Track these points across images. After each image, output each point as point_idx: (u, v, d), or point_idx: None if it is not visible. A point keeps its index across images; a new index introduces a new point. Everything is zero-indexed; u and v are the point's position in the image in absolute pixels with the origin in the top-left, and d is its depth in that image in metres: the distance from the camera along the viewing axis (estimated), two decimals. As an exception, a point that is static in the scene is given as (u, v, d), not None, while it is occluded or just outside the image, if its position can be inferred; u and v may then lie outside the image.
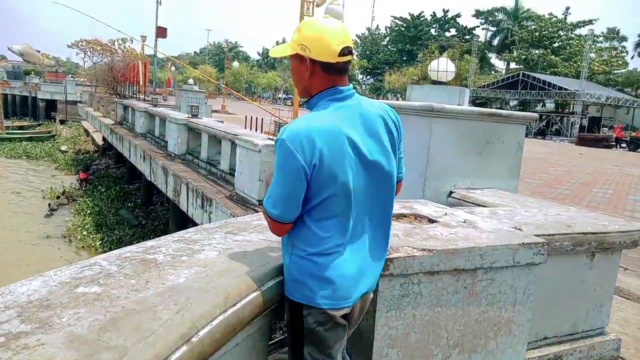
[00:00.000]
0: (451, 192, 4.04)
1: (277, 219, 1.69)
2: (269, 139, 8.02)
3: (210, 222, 7.91)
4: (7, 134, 32.34)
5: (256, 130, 15.87)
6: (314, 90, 1.77)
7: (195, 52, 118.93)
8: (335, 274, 1.70)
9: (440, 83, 4.30)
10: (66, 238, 14.11)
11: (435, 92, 4.23)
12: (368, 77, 75.60)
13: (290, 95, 76.73)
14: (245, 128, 15.85)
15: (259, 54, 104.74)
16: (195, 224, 9.86)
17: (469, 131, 4.09)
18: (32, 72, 61.26)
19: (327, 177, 1.65)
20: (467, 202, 3.85)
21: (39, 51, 72.17)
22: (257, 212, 7.12)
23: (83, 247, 13.48)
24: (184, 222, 13.45)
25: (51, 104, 44.14)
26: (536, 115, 5.03)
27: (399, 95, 58.32)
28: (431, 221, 2.83)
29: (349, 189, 1.70)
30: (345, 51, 1.71)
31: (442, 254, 2.27)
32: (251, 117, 19.02)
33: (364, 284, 1.81)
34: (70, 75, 58.19)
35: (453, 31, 69.58)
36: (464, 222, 2.82)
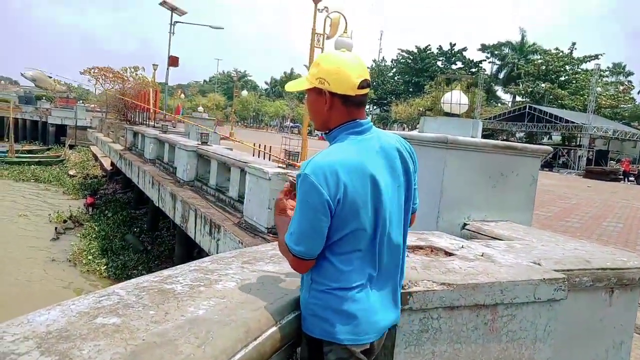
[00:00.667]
0: (465, 224, 4.00)
1: (300, 255, 1.65)
2: (279, 166, 8.03)
3: (218, 249, 7.86)
4: (17, 157, 32.69)
5: (264, 158, 15.93)
6: (333, 124, 1.77)
7: (204, 81, 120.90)
8: (357, 308, 1.66)
9: (453, 115, 4.31)
10: (71, 262, 14.05)
11: (448, 124, 4.24)
12: (374, 107, 76.34)
13: (298, 124, 77.45)
14: (253, 156, 15.93)
15: (266, 83, 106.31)
16: (201, 250, 9.80)
17: (483, 163, 4.07)
18: (44, 97, 62.20)
19: (350, 211, 1.63)
20: (481, 234, 3.80)
21: (50, 77, 73.54)
22: (266, 240, 7.07)
23: (88, 271, 13.41)
24: (191, 248, 13.38)
25: (61, 129, 44.68)
26: (551, 149, 5.01)
27: (405, 126, 58.72)
28: (448, 254, 2.78)
29: (371, 223, 1.68)
30: (364, 84, 1.72)
31: (462, 288, 2.22)
32: (259, 145, 19.14)
33: (386, 318, 1.77)
34: (80, 101, 59.07)
35: (459, 64, 70.45)
36: (482, 256, 2.77)
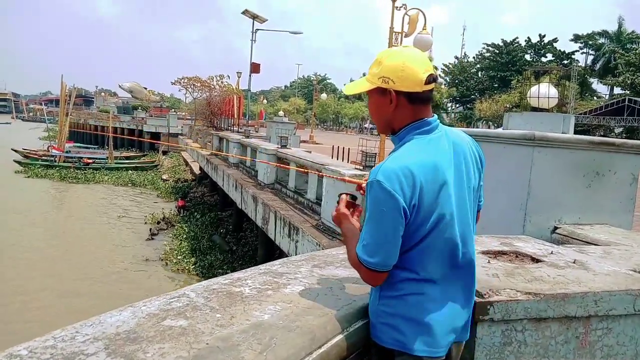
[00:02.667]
0: (556, 228, 3.69)
1: (375, 267, 1.55)
2: (356, 168, 7.97)
3: (296, 250, 7.95)
4: (116, 163, 35.28)
5: (342, 160, 15.95)
6: (398, 125, 1.67)
7: (285, 86, 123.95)
8: (430, 317, 1.56)
9: (541, 110, 4.01)
10: (163, 261, 14.90)
11: (536, 120, 3.94)
12: (457, 105, 73.98)
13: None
14: (332, 158, 16.02)
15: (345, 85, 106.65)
16: (282, 252, 9.97)
17: (576, 161, 3.74)
18: (139, 107, 66.81)
19: (425, 216, 1.53)
20: (574, 239, 3.49)
21: (145, 88, 78.89)
22: (343, 242, 7.04)
23: (178, 269, 14.14)
24: (272, 249, 13.71)
25: (155, 136, 47.66)
26: (654, 143, 4.51)
27: (490, 123, 56.29)
28: (535, 260, 2.57)
29: (445, 227, 1.57)
30: (430, 79, 1.60)
31: (550, 298, 2.03)
32: (338, 147, 19.22)
33: (459, 327, 1.64)
34: (172, 110, 62.78)
35: (550, 56, 66.38)
36: (574, 263, 2.53)
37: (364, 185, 1.90)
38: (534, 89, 4.04)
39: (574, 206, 3.82)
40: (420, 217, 1.53)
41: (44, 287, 12.24)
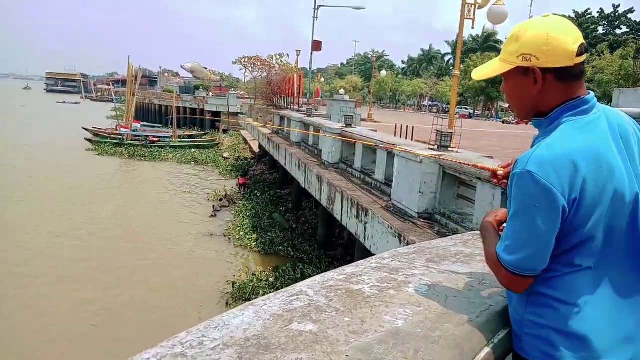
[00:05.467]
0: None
1: (518, 270, 1.34)
2: (430, 148, 7.65)
3: (365, 232, 7.79)
4: (179, 142, 36.34)
5: (406, 139, 15.54)
6: (546, 107, 1.43)
7: (342, 64, 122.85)
8: (590, 330, 1.33)
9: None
10: (226, 237, 15.26)
11: (653, 96, 3.50)
12: (522, 82, 70.60)
13: (437, 103, 74.96)
14: (396, 136, 15.64)
15: (403, 62, 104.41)
16: (342, 231, 9.81)
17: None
18: (201, 87, 68.32)
19: (586, 213, 1.30)
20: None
21: (206, 68, 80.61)
22: (417, 225, 6.80)
23: (240, 245, 14.43)
24: (332, 228, 13.65)
25: (216, 115, 48.66)
26: None
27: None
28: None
29: (613, 225, 1.32)
30: (582, 49, 1.35)
31: None
32: (401, 126, 18.79)
33: (630, 345, 1.39)
34: (232, 89, 63.83)
35: (624, 28, 61.90)
36: None
37: (500, 172, 1.68)
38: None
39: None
40: (580, 214, 1.30)
41: (122, 259, 12.82)
